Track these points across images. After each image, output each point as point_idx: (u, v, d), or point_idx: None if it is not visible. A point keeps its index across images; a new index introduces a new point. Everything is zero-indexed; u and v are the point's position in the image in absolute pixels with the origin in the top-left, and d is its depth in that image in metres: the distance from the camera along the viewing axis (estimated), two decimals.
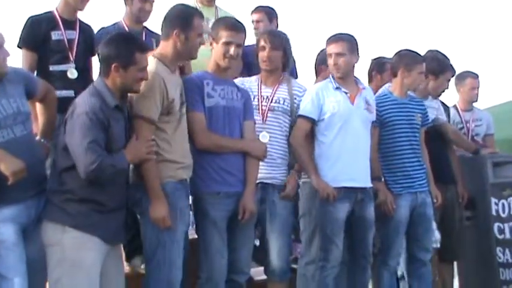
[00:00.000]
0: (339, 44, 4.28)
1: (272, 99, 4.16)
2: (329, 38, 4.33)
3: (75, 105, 3.24)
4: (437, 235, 4.86)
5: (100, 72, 3.36)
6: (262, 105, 4.12)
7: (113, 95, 3.27)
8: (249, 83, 4.18)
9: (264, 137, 4.02)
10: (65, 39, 4.13)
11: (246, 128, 3.84)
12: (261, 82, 4.19)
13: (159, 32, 4.33)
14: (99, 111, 3.16)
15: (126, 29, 4.34)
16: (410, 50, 4.77)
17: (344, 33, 4.37)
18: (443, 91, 5.20)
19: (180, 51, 3.51)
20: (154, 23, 4.49)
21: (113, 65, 3.24)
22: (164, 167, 3.40)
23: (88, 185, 3.19)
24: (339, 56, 4.27)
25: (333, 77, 4.38)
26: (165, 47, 3.52)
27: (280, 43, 4.15)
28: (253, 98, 4.08)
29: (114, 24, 4.42)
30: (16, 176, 3.08)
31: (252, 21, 5.21)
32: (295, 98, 4.22)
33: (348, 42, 4.30)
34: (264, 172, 4.00)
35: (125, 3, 4.41)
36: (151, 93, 3.37)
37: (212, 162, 3.70)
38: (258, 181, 3.90)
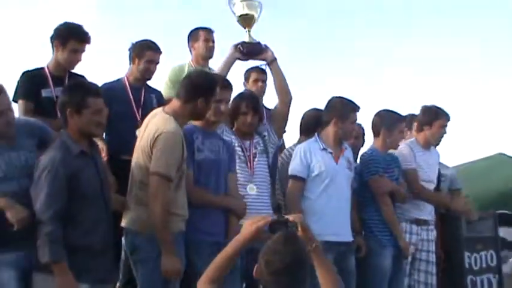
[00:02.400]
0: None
1: (252, 147, 4.33)
2: (356, 105, 4.60)
3: (39, 160, 3.31)
4: None
5: (63, 123, 3.45)
6: (246, 155, 4.26)
7: (76, 143, 3.33)
8: (229, 135, 4.30)
9: (251, 189, 4.15)
10: (54, 97, 4.09)
11: (230, 180, 3.99)
12: (238, 137, 4.31)
13: (158, 88, 4.77)
14: (59, 164, 3.22)
15: (128, 85, 4.48)
16: (389, 110, 5.04)
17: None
18: (442, 137, 5.25)
19: (197, 114, 3.70)
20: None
21: (67, 111, 3.33)
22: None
23: (71, 232, 3.24)
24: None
25: (318, 136, 4.65)
26: (183, 108, 3.64)
27: (259, 109, 4.35)
28: (239, 148, 4.22)
29: (116, 80, 4.54)
30: (20, 223, 3.21)
31: (246, 78, 5.20)
32: (265, 136, 4.41)
33: None
34: None
35: (130, 61, 4.53)
36: (173, 151, 3.46)
37: (197, 213, 3.76)
38: None
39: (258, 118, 4.31)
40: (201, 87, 3.67)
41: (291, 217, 2.64)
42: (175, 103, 3.67)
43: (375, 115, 5.05)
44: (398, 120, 5.00)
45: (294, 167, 4.53)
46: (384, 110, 5.04)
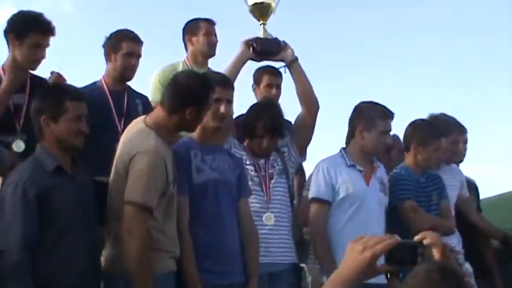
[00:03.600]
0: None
1: (269, 166, 3.77)
2: (387, 110, 3.94)
3: (7, 176, 3.03)
4: None
5: (37, 134, 3.09)
6: (261, 176, 3.71)
7: (52, 158, 3.01)
8: (239, 151, 3.76)
9: (268, 219, 3.63)
10: (11, 105, 3.51)
11: (242, 206, 3.44)
12: (251, 154, 3.76)
13: (143, 92, 4.13)
14: (28, 183, 2.90)
15: (106, 88, 3.89)
16: (426, 122, 4.36)
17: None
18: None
19: (186, 126, 3.20)
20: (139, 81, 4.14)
21: (42, 119, 3.01)
22: (153, 256, 2.98)
23: (42, 264, 2.88)
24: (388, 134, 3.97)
25: (344, 150, 4.00)
26: (167, 120, 3.13)
27: (280, 129, 3.76)
28: (252, 168, 3.71)
29: (92, 83, 3.95)
30: None
31: (257, 81, 4.51)
32: (284, 153, 3.87)
33: None
34: (275, 257, 3.61)
35: (106, 59, 3.93)
36: (153, 174, 2.98)
37: (198, 243, 3.23)
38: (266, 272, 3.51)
39: (276, 141, 3.76)
40: (191, 94, 3.13)
41: (425, 238, 1.82)
42: (159, 113, 3.17)
43: (409, 125, 4.32)
44: (434, 135, 4.22)
45: (317, 188, 3.88)
46: (419, 120, 4.32)
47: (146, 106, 3.96)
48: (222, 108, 3.34)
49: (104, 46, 3.94)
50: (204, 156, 3.33)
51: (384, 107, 3.96)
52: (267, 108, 3.82)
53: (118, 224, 3.01)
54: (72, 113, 3.01)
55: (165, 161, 3.02)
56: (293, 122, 4.07)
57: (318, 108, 3.94)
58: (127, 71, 3.89)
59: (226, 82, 3.48)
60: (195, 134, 3.36)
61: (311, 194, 3.90)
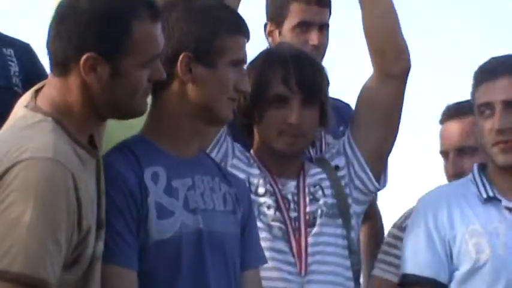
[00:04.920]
0: None
1: (305, 198, 2.33)
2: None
3: None
4: None
5: None
6: (288, 218, 2.28)
7: None
8: (243, 165, 2.40)
9: None
10: None
11: (248, 283, 2.10)
12: (264, 167, 2.33)
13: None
14: None
15: None
16: None
17: None
18: None
19: (100, 102, 1.86)
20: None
21: None
22: None
23: None
24: None
25: (480, 168, 2.33)
26: (66, 90, 1.85)
27: (318, 91, 2.31)
28: (270, 201, 2.31)
29: None
30: None
31: (275, 19, 2.80)
32: (338, 169, 2.39)
33: None
34: None
35: None
36: (47, 212, 1.73)
37: None
38: None
39: (315, 117, 2.31)
40: (87, 26, 1.73)
41: None
42: (53, 84, 1.84)
43: None
44: None
45: (413, 255, 2.42)
46: None
47: (31, 66, 2.46)
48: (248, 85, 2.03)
49: None
50: (174, 180, 1.97)
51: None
52: (281, 48, 2.40)
53: None
54: None
55: (74, 183, 1.74)
56: (354, 105, 2.46)
57: (408, 66, 2.31)
58: None
59: (244, 25, 2.11)
60: (155, 134, 1.92)
61: (404, 270, 2.38)
